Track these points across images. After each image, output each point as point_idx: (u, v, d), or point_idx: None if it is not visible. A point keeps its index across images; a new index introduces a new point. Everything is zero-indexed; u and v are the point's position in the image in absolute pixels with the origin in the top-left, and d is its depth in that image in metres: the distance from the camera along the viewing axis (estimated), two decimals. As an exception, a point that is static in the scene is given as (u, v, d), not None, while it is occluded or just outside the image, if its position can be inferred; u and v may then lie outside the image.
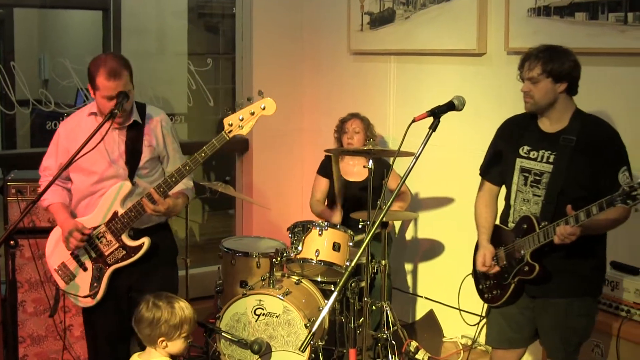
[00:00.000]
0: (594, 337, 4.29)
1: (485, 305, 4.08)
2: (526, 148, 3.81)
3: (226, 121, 3.85)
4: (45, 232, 4.82)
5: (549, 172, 3.69)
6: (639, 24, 4.41)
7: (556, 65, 3.65)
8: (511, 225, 3.85)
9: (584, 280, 3.73)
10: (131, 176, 4.03)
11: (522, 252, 3.70)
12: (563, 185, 3.64)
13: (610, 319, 4.27)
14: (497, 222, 4.01)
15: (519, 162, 3.83)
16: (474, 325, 4.53)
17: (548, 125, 3.77)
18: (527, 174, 3.79)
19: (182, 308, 3.48)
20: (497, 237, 3.92)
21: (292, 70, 7.06)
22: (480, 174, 4.12)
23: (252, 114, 3.84)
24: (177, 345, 3.47)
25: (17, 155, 6.15)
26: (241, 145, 6.96)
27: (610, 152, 3.62)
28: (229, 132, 3.84)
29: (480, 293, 4.04)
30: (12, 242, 3.63)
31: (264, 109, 3.84)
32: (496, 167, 4.01)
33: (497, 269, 3.87)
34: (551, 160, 3.70)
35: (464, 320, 4.80)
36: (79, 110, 4.18)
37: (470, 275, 4.15)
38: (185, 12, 7.30)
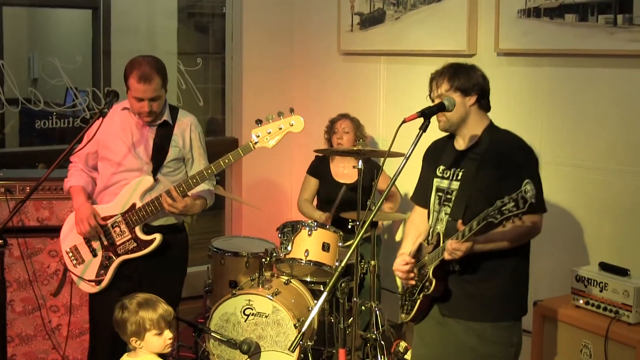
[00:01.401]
0: (583, 337, 4.31)
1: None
2: (442, 168, 3.73)
3: (254, 132, 3.95)
4: (34, 232, 4.83)
5: (457, 189, 3.62)
6: (628, 25, 4.43)
7: (462, 78, 3.60)
8: (429, 243, 3.74)
9: (494, 304, 3.59)
10: (154, 172, 4.15)
11: (427, 267, 3.62)
12: (468, 201, 3.53)
13: (599, 319, 4.28)
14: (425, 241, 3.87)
15: (435, 183, 3.75)
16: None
17: (461, 143, 3.69)
18: (441, 194, 3.71)
19: (142, 304, 3.49)
20: (419, 255, 3.79)
21: (282, 70, 7.06)
22: (410, 198, 4.05)
23: (280, 129, 3.95)
24: (151, 343, 3.47)
25: (6, 154, 6.12)
26: (231, 145, 6.95)
27: (514, 164, 3.49)
28: (255, 143, 3.94)
29: (400, 307, 3.94)
30: (0, 241, 3.63)
31: (292, 125, 3.97)
32: (421, 190, 3.92)
33: (412, 278, 3.72)
34: (459, 177, 3.62)
35: None
36: (114, 105, 4.23)
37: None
38: (175, 12, 7.30)
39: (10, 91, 6.04)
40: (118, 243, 4.13)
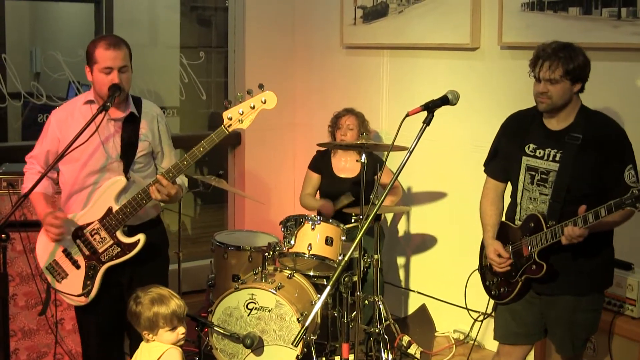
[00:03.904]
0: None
1: (491, 301, 4.07)
2: (532, 146, 3.78)
3: (225, 115, 3.74)
4: (36, 226, 4.77)
5: (556, 171, 3.68)
6: (633, 19, 4.42)
7: (577, 66, 3.62)
8: (518, 222, 3.84)
9: (590, 277, 3.73)
10: (126, 170, 3.93)
11: (530, 250, 3.69)
12: (569, 183, 3.62)
13: (603, 314, 4.26)
14: (503, 218, 4.00)
15: (525, 161, 3.80)
16: (479, 320, 4.54)
17: (554, 123, 3.74)
18: (533, 173, 3.77)
19: (156, 300, 3.50)
20: (504, 234, 3.91)
21: (285, 64, 7.05)
22: (485, 171, 4.10)
23: (253, 107, 3.74)
24: (164, 337, 3.49)
25: (9, 148, 6.11)
26: (233, 139, 6.95)
27: (616, 150, 3.61)
28: (229, 126, 3.73)
29: (487, 290, 4.03)
30: (3, 235, 3.58)
31: (264, 102, 3.74)
32: (500, 163, 3.99)
33: (508, 267, 3.84)
34: (557, 158, 3.68)
35: (470, 315, 4.81)
36: (73, 99, 4.09)
37: (477, 272, 4.14)
38: (177, 5, 7.29)
39: (13, 85, 6.03)
40: (100, 251, 3.89)
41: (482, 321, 4.70)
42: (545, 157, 3.73)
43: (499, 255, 3.84)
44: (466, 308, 4.83)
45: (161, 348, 3.50)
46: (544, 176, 3.73)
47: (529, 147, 3.80)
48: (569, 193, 3.62)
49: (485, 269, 4.02)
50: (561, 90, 3.63)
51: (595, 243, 3.65)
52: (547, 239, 3.60)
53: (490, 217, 4.00)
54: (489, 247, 3.92)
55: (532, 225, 3.70)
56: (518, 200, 3.87)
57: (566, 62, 3.61)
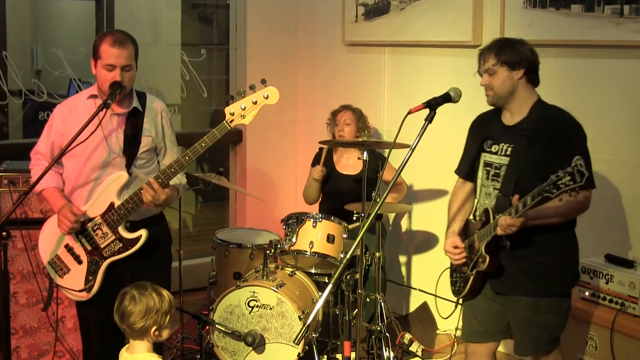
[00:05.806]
0: (589, 329, 4.29)
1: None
2: (489, 142, 3.80)
3: (227, 110, 3.71)
4: (37, 223, 4.78)
5: (506, 165, 3.67)
6: (635, 16, 4.40)
7: (509, 52, 3.65)
8: (478, 219, 3.84)
9: (549, 278, 3.67)
10: (128, 166, 3.92)
11: (478, 244, 3.68)
12: (518, 177, 3.60)
13: (604, 312, 4.27)
14: (471, 216, 3.99)
15: (483, 157, 3.82)
16: (446, 317, 4.57)
17: (509, 118, 3.75)
18: (489, 168, 3.78)
19: (168, 294, 3.48)
20: (465, 230, 3.90)
21: (286, 61, 7.04)
22: (455, 171, 4.10)
23: (255, 103, 3.71)
24: (166, 332, 3.47)
25: (10, 145, 6.11)
26: (235, 136, 6.95)
27: (565, 140, 3.56)
28: (231, 121, 3.71)
29: (451, 285, 4.05)
30: (4, 233, 3.57)
31: (267, 97, 3.72)
32: (467, 163, 3.99)
33: (463, 259, 3.83)
34: (509, 152, 3.68)
35: (438, 312, 4.80)
36: (76, 94, 4.07)
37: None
38: (178, 2, 7.29)
39: (14, 83, 6.03)
40: (102, 246, 3.90)
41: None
42: (499, 152, 3.74)
43: (455, 247, 3.83)
44: (434, 295, 4.82)
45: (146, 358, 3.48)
46: (497, 171, 3.73)
47: (487, 144, 3.82)
48: (518, 186, 3.57)
49: (452, 265, 4.03)
50: (500, 78, 3.66)
51: (548, 243, 3.63)
52: (490, 231, 3.58)
53: (454, 213, 4.00)
54: (447, 239, 3.93)
55: (484, 219, 3.70)
56: (477, 196, 3.89)
57: (498, 51, 3.66)
